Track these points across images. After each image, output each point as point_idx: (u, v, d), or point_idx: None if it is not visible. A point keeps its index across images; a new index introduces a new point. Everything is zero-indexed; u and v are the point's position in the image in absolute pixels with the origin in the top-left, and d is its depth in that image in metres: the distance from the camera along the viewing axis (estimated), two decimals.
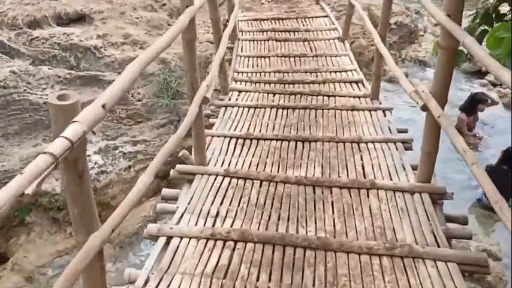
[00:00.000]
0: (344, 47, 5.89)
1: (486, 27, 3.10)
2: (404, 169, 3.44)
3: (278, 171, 3.42)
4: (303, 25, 6.69)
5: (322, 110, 4.35)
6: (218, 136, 3.90)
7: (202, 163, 3.38)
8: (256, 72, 5.28)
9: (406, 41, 8.52)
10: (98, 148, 5.94)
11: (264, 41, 6.17)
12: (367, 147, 3.71)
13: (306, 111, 4.34)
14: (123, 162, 5.88)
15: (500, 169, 4.99)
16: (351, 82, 4.95)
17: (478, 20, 3.04)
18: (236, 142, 3.83)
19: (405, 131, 4.09)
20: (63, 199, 5.47)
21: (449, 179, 5.10)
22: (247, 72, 5.28)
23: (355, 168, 3.47)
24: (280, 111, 4.36)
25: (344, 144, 3.76)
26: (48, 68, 6.52)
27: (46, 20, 7.47)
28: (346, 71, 5.20)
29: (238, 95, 4.77)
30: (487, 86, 7.59)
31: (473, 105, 6.32)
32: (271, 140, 3.84)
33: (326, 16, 6.98)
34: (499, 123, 6.95)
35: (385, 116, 4.29)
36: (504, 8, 3.15)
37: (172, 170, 3.40)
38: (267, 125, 4.12)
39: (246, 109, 4.42)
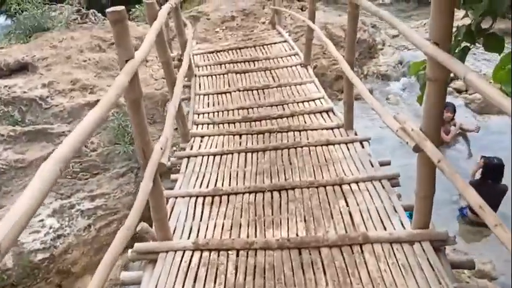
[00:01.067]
0: (308, 73, 5.47)
1: (468, 44, 2.73)
2: (396, 212, 2.97)
3: (256, 235, 2.87)
4: (262, 53, 6.26)
5: (295, 148, 3.86)
6: (183, 196, 3.33)
7: (166, 237, 2.79)
8: (218, 112, 4.76)
9: (367, 56, 8.26)
10: (52, 210, 5.27)
11: (223, 74, 5.68)
12: (351, 189, 3.23)
13: (278, 152, 3.84)
14: (82, 222, 5.24)
15: (485, 183, 4.64)
16: (320, 112, 4.50)
17: (459, 38, 2.65)
18: (204, 201, 3.27)
19: (388, 163, 3.66)
20: (17, 274, 4.77)
21: None
22: (208, 113, 4.75)
23: (343, 218, 2.97)
24: (249, 155, 3.84)
25: (325, 189, 3.26)
26: None
27: None
28: (313, 100, 4.76)
29: (201, 141, 4.22)
30: (452, 94, 7.39)
31: None
32: (244, 193, 3.30)
33: (285, 41, 6.59)
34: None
35: (363, 147, 3.85)
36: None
37: (130, 251, 2.79)
38: (237, 175, 3.58)
39: (211, 157, 3.87)
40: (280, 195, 3.26)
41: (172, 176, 3.75)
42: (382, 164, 3.58)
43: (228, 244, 2.75)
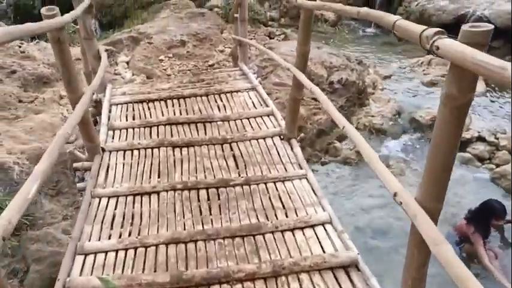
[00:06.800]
0: (294, 154, 3.07)
1: None
2: None
3: None
4: (219, 108, 3.80)
5: None
6: None
7: None
8: (126, 249, 2.23)
9: (356, 103, 6.03)
10: None
11: (152, 149, 3.18)
12: None
13: None
14: None
15: None
16: (332, 269, 2.12)
17: None
18: None
19: None
20: None
21: None
22: (106, 252, 2.23)
23: None
24: None
25: None
26: None
27: None
28: (313, 226, 2.37)
29: None
30: (471, 163, 5.29)
31: (485, 218, 3.78)
32: None
33: (252, 89, 4.19)
34: None
35: None
36: None
37: None
38: None
39: None
40: None
41: None
42: None
43: None
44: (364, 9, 1.74)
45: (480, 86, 6.31)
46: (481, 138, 5.36)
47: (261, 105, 3.84)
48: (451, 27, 7.26)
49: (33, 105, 5.42)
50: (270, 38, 7.63)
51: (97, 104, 4.20)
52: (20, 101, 5.45)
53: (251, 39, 7.40)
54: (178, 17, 8.13)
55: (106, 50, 6.64)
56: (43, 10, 2.52)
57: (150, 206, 2.58)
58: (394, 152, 5.44)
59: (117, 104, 3.93)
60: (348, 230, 4.63)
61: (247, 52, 5.02)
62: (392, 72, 6.79)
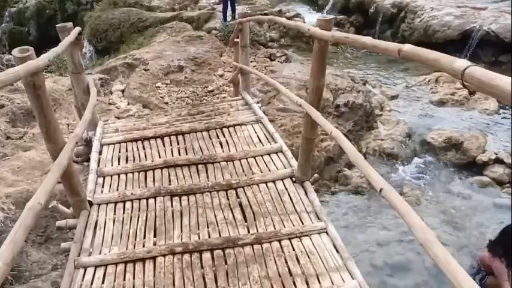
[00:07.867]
0: (309, 201, 2.66)
1: None
2: None
3: None
4: (221, 145, 3.39)
5: None
6: None
7: None
8: None
9: (364, 126, 5.62)
10: None
11: (147, 200, 2.75)
12: None
13: None
14: None
15: None
16: None
17: None
18: None
19: None
20: None
21: None
22: None
23: None
24: None
25: None
26: None
27: None
28: None
29: None
30: (492, 186, 4.87)
31: (508, 246, 3.35)
32: None
33: (257, 121, 3.77)
34: None
35: None
36: None
37: None
38: None
39: None
40: None
41: None
42: None
43: None
44: (408, 47, 1.32)
45: (492, 104, 5.92)
46: (498, 160, 4.94)
47: (268, 140, 3.41)
48: (457, 44, 6.88)
49: (21, 142, 5.00)
50: (271, 60, 7.27)
51: (88, 143, 3.78)
52: (8, 138, 5.05)
53: (251, 61, 7.02)
54: (176, 41, 7.78)
55: (100, 79, 6.26)
56: (15, 52, 2.12)
57: (144, 277, 2.13)
58: (407, 178, 5.01)
59: (108, 144, 3.50)
60: (363, 267, 4.20)
61: (250, 80, 4.62)
62: (399, 92, 6.41)
